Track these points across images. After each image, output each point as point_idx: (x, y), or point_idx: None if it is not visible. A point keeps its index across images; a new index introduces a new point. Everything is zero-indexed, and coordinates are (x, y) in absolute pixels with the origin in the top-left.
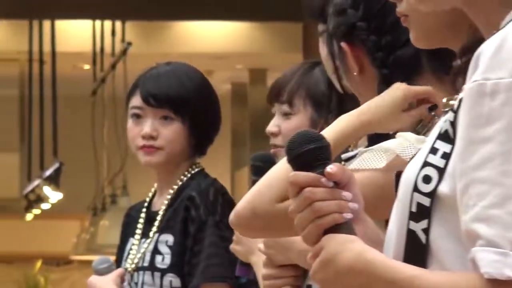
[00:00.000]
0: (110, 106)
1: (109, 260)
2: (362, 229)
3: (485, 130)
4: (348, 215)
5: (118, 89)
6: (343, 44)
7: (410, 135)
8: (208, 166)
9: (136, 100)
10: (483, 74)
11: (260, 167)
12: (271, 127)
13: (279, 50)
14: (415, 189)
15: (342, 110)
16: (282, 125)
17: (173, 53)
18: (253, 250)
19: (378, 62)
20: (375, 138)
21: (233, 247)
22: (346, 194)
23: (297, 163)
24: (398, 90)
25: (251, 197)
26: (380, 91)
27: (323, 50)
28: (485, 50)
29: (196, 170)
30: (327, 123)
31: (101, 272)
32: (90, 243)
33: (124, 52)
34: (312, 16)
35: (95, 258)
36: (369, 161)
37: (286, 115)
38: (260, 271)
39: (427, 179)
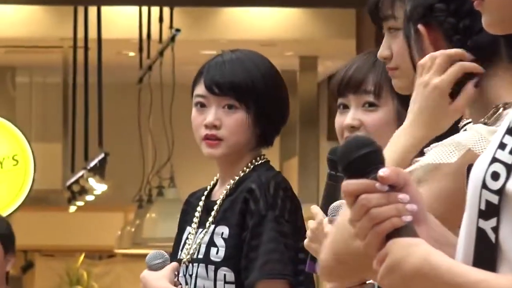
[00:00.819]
0: (157, 95)
1: (163, 255)
2: (425, 230)
3: None
4: (408, 218)
5: (165, 77)
6: (420, 26)
7: (480, 127)
8: None
9: (200, 89)
10: None
11: (337, 162)
12: (351, 120)
13: (330, 36)
14: (484, 186)
15: None
16: (365, 118)
17: (221, 39)
18: None
19: (456, 45)
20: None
21: (307, 244)
22: (403, 196)
23: (349, 171)
24: (433, 89)
25: (330, 246)
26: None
27: (396, 43)
28: None
29: (260, 161)
30: None
31: (154, 268)
32: (135, 236)
33: (172, 38)
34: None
35: (139, 252)
36: (440, 155)
37: (370, 107)
38: None
39: (495, 175)
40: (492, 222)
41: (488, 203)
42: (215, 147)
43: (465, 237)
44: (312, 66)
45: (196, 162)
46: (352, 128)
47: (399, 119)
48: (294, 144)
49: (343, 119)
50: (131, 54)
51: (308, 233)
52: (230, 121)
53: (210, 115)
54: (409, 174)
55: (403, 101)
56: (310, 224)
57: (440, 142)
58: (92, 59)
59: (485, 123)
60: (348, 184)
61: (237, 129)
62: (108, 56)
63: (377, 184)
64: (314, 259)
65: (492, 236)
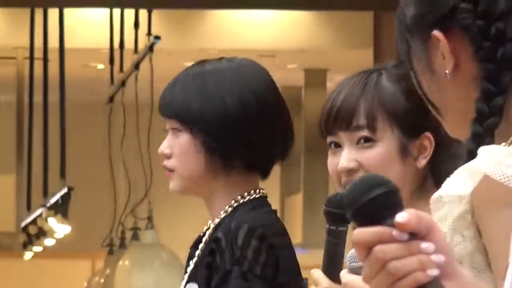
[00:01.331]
0: (131, 116)
1: None
2: (456, 286)
3: None
4: (434, 272)
5: (142, 94)
6: (436, 33)
7: (496, 149)
8: None
9: None
10: None
11: (340, 215)
12: (348, 162)
13: (342, 45)
14: None
15: (434, 128)
16: (362, 157)
17: (210, 49)
18: None
19: (485, 53)
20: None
21: None
22: (427, 245)
23: (360, 217)
24: None
25: None
26: (484, 89)
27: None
28: None
29: (247, 198)
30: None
31: None
32: None
33: (150, 48)
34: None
35: None
36: (454, 187)
37: (366, 143)
38: None
39: None
40: None
41: None
42: (170, 179)
43: None
44: (320, 81)
45: (179, 199)
46: (350, 171)
47: (403, 151)
48: (298, 176)
49: (337, 161)
50: (100, 66)
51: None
52: (176, 147)
53: (163, 143)
54: (432, 219)
55: (405, 129)
56: None
57: (452, 174)
58: (52, 73)
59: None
60: (360, 233)
61: (183, 156)
62: (72, 69)
63: (395, 232)
64: None
65: None
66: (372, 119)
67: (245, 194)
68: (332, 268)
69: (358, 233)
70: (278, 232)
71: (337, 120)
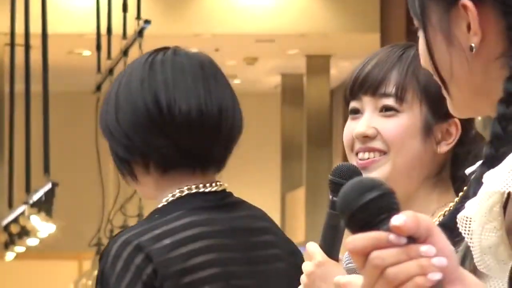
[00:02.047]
0: None
1: None
2: None
3: None
4: (436, 276)
5: None
6: (466, 1)
7: None
8: (252, 185)
9: None
10: None
11: (340, 185)
12: (366, 128)
13: (347, 29)
14: None
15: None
16: (382, 124)
17: (204, 34)
18: None
19: None
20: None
21: None
22: (427, 249)
23: (354, 224)
24: None
25: None
26: None
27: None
28: None
29: (171, 198)
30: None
31: None
32: None
33: (140, 33)
34: None
35: None
36: (495, 182)
37: (388, 112)
38: None
39: None
40: None
41: None
42: None
43: None
44: (323, 67)
45: None
46: (365, 137)
47: (426, 130)
48: (300, 170)
49: (354, 127)
50: (86, 53)
51: (303, 278)
52: None
53: None
54: (432, 221)
55: (435, 109)
56: (306, 267)
57: (494, 170)
58: (35, 60)
59: None
60: (354, 240)
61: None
62: (56, 56)
63: (392, 236)
64: None
65: None
66: (402, 89)
67: (169, 195)
68: (329, 243)
69: (352, 240)
70: (163, 245)
71: (364, 84)
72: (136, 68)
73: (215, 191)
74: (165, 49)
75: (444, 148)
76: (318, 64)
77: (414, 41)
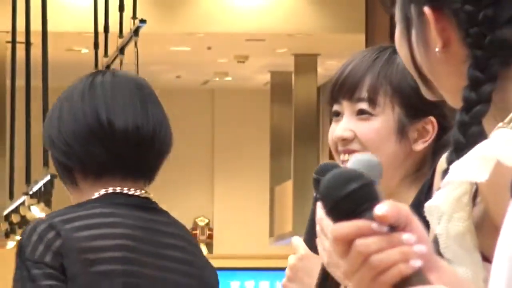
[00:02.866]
0: None
1: None
2: (438, 278)
3: None
4: (417, 263)
5: None
6: (426, 9)
7: (506, 134)
8: (242, 179)
9: None
10: None
11: None
12: (343, 131)
13: (333, 29)
14: None
15: (441, 111)
16: (358, 127)
17: (197, 33)
18: None
19: (472, 40)
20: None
21: (285, 284)
22: (408, 237)
23: (337, 212)
24: None
25: None
26: (470, 76)
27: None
28: None
29: (96, 195)
30: (422, 129)
31: None
32: None
33: (135, 31)
34: None
35: None
36: (465, 172)
37: (363, 115)
38: None
39: None
40: None
41: None
42: None
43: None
44: (310, 66)
45: (165, 185)
46: (344, 140)
47: (401, 131)
48: (288, 164)
49: (335, 129)
50: (84, 51)
51: (287, 271)
52: None
53: None
54: (410, 210)
55: (408, 109)
56: (289, 260)
57: (461, 158)
58: (35, 57)
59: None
60: (339, 227)
61: None
62: (56, 53)
63: (374, 224)
64: None
65: None
66: (374, 93)
67: (96, 194)
68: (312, 237)
69: (337, 228)
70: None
71: (342, 89)
72: (77, 87)
73: (138, 195)
74: (104, 71)
75: (420, 146)
76: (306, 62)
77: None
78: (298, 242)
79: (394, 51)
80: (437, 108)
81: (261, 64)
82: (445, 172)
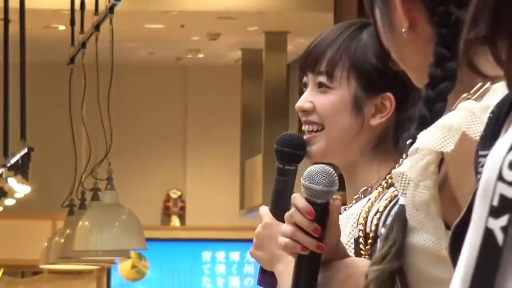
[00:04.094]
0: (92, 77)
1: None
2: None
3: None
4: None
5: (101, 56)
6: None
7: (471, 105)
8: (213, 153)
9: None
10: None
11: (289, 154)
12: (304, 102)
13: (303, 8)
14: (499, 177)
15: (400, 88)
16: (317, 100)
17: (170, 11)
18: (278, 257)
19: (438, 18)
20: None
21: (252, 251)
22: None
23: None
24: None
25: None
26: (436, 53)
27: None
28: None
29: None
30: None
31: None
32: (64, 249)
33: (110, 9)
34: None
35: (69, 267)
36: (432, 142)
37: (322, 88)
38: (286, 281)
39: None
40: (503, 220)
41: (502, 197)
42: None
43: (470, 240)
44: (280, 43)
45: (138, 159)
46: (305, 111)
47: (357, 105)
48: (259, 138)
49: None
50: (61, 27)
51: (254, 239)
52: None
53: None
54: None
55: (365, 84)
56: (257, 229)
57: (429, 128)
58: (13, 33)
59: (467, 100)
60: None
61: None
62: (33, 30)
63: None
64: (264, 271)
65: (499, 237)
66: (332, 67)
67: None
68: (277, 206)
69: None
70: None
71: (307, 62)
72: None
73: None
74: None
75: (377, 120)
76: (276, 40)
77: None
78: (264, 211)
79: (360, 27)
80: (396, 85)
81: (233, 41)
82: (411, 145)
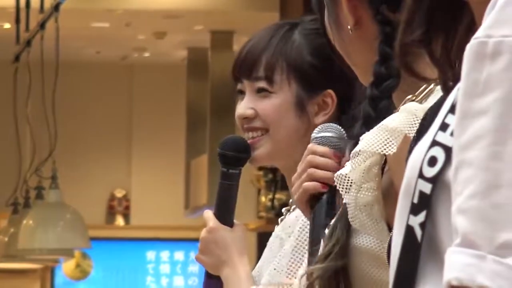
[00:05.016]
0: (37, 75)
1: None
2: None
3: (481, 100)
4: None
5: (47, 54)
6: None
7: (413, 107)
8: (159, 153)
9: None
10: (486, 30)
11: (232, 157)
12: (245, 110)
13: (248, 7)
14: (420, 175)
15: (340, 84)
16: (258, 105)
17: (116, 10)
18: (224, 262)
19: (381, 17)
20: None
21: (197, 256)
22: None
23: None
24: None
25: None
26: (381, 52)
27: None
28: None
29: None
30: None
31: None
32: (8, 247)
33: (56, 7)
34: None
35: (13, 266)
36: (375, 144)
37: (263, 93)
38: (232, 285)
39: (432, 161)
40: (421, 216)
41: (421, 194)
42: None
43: (395, 239)
44: (226, 42)
45: (83, 158)
46: (246, 118)
47: (300, 106)
48: (204, 138)
49: None
50: (7, 26)
51: (199, 244)
52: None
53: None
54: None
55: (305, 84)
56: (202, 233)
57: (371, 130)
58: None
59: (412, 101)
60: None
61: None
62: None
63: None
64: (210, 276)
65: (418, 233)
66: (270, 71)
67: None
68: (222, 210)
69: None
70: None
71: (241, 68)
72: None
73: None
74: None
75: (321, 118)
76: (222, 39)
77: None
78: (209, 215)
79: (291, 28)
80: (336, 81)
81: (179, 40)
82: (355, 145)
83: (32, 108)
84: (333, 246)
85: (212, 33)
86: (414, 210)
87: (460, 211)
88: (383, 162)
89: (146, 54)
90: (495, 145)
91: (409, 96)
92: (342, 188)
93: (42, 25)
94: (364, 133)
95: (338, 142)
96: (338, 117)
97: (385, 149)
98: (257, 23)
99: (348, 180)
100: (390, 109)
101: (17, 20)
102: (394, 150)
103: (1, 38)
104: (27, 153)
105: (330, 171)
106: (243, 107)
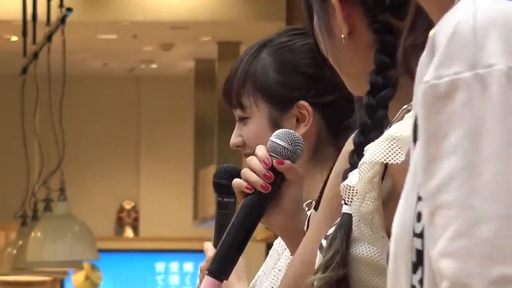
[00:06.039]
0: (44, 88)
1: None
2: None
3: (445, 143)
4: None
5: (54, 66)
6: None
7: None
8: (167, 164)
9: None
10: (435, 72)
11: (226, 186)
12: (234, 138)
13: (255, 18)
14: (414, 232)
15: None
16: (243, 133)
17: (122, 21)
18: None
19: (379, 26)
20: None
21: (199, 286)
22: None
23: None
24: None
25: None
26: (378, 61)
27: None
28: (440, 32)
29: None
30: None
31: None
32: (17, 260)
33: (62, 20)
34: None
35: (22, 279)
36: (381, 154)
37: (243, 120)
38: None
39: (419, 216)
40: (419, 274)
41: (417, 252)
42: None
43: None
44: (233, 53)
45: (92, 170)
46: (238, 147)
47: (273, 123)
48: (212, 149)
49: None
50: (14, 38)
51: (199, 273)
52: None
53: None
54: None
55: (275, 102)
56: (201, 264)
57: (376, 141)
58: None
59: (409, 111)
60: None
61: None
62: None
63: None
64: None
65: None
66: (239, 98)
67: None
68: (220, 238)
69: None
70: None
71: (224, 99)
72: None
73: None
74: None
75: (303, 129)
76: (229, 50)
77: None
78: (207, 246)
79: (260, 47)
80: (305, 91)
81: (186, 51)
82: (353, 153)
83: (40, 120)
84: (333, 256)
85: (219, 44)
86: (414, 268)
87: (445, 254)
88: (382, 172)
89: (154, 66)
90: (468, 181)
91: (405, 106)
92: (348, 198)
93: (49, 38)
94: (362, 141)
95: (284, 152)
96: (326, 124)
97: (393, 158)
98: (264, 34)
99: (354, 190)
100: (387, 118)
101: (24, 33)
102: (403, 158)
103: (8, 51)
104: (35, 165)
105: (259, 176)
106: (233, 136)
